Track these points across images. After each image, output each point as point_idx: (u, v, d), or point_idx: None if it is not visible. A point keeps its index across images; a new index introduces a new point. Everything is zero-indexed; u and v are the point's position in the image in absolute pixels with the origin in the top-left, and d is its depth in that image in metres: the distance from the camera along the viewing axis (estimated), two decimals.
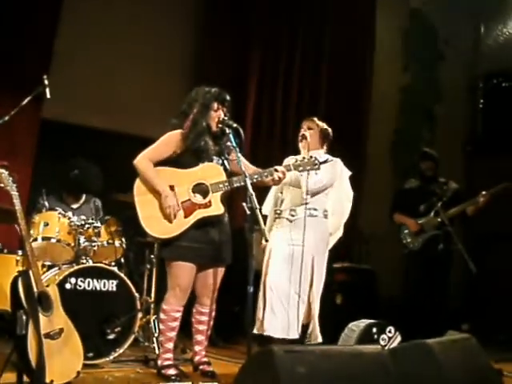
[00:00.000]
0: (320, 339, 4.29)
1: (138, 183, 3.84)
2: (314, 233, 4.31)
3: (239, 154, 3.71)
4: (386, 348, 4.01)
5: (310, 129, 4.49)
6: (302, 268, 4.23)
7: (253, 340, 3.43)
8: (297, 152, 4.60)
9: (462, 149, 8.08)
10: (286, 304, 4.22)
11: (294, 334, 4.20)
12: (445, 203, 5.47)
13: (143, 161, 3.82)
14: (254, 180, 3.72)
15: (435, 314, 5.42)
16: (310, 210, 4.33)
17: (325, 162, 3.99)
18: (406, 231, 5.66)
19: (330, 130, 4.55)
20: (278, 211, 4.46)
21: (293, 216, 4.36)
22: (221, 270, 3.97)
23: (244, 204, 3.42)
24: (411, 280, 5.77)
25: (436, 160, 5.78)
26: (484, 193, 5.34)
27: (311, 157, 3.91)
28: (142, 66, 6.23)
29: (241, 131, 3.76)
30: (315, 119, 4.55)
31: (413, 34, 8.05)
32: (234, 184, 3.77)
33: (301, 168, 3.89)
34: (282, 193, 4.52)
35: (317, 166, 3.89)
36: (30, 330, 3.05)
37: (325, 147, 4.53)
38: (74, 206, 5.06)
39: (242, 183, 3.70)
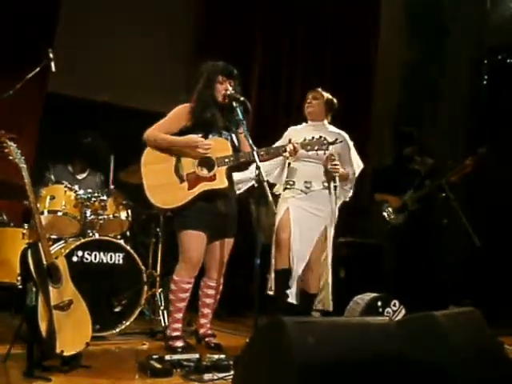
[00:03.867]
0: (331, 308, 4.40)
1: (146, 153, 3.87)
2: (328, 205, 4.43)
3: (245, 128, 3.72)
4: None
5: (315, 99, 4.57)
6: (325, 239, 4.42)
7: (259, 312, 3.45)
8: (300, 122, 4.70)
9: (465, 124, 8.05)
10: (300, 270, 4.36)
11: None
12: (424, 178, 5.56)
13: (152, 131, 3.85)
14: (261, 156, 3.71)
15: (433, 288, 5.47)
16: (324, 182, 4.44)
17: (333, 142, 4.00)
18: (389, 208, 5.70)
19: (335, 100, 4.63)
20: (291, 182, 4.50)
21: (308, 188, 4.43)
22: (228, 242, 4.00)
23: (250, 176, 3.43)
24: (395, 256, 5.80)
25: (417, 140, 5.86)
26: (470, 158, 5.40)
27: (320, 137, 3.95)
28: (147, 40, 6.22)
29: (248, 105, 3.76)
30: (320, 90, 4.61)
31: (417, 7, 7.98)
32: (240, 159, 3.80)
33: (309, 147, 3.93)
34: (289, 163, 4.55)
35: (325, 147, 3.93)
36: (40, 302, 3.07)
37: (329, 117, 4.62)
38: (80, 177, 5.09)
39: (248, 159, 3.74)
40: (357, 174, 4.59)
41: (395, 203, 5.65)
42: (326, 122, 4.58)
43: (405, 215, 5.61)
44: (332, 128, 4.50)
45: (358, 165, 4.60)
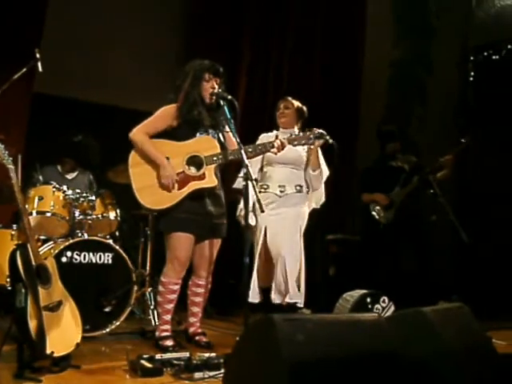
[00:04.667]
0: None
1: (132, 155, 3.85)
2: (300, 207, 4.59)
3: (233, 127, 3.71)
4: None
5: (287, 108, 4.71)
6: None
7: (249, 310, 3.46)
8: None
9: (453, 122, 8.08)
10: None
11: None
12: (410, 175, 5.60)
13: (139, 134, 3.83)
14: (249, 154, 3.75)
15: (424, 283, 5.50)
16: (297, 186, 4.58)
17: (320, 137, 4.10)
18: (377, 207, 5.71)
19: (304, 108, 4.76)
20: (265, 186, 4.60)
21: (282, 192, 4.54)
22: (217, 242, 4.01)
23: (239, 175, 3.45)
24: (384, 252, 5.81)
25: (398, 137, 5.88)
26: (449, 153, 5.47)
27: (306, 132, 4.01)
28: (135, 39, 6.21)
29: (235, 103, 3.77)
30: (290, 99, 4.75)
31: (403, 6, 8.01)
32: (229, 157, 3.79)
33: (296, 142, 3.99)
34: (262, 167, 4.64)
35: (311, 141, 4.01)
36: (29, 303, 3.06)
37: (299, 124, 4.72)
38: (69, 177, 5.07)
39: (237, 156, 3.72)
40: (323, 180, 4.66)
41: (383, 201, 5.67)
42: (296, 129, 4.67)
43: (393, 212, 5.63)
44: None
45: (324, 171, 4.66)
